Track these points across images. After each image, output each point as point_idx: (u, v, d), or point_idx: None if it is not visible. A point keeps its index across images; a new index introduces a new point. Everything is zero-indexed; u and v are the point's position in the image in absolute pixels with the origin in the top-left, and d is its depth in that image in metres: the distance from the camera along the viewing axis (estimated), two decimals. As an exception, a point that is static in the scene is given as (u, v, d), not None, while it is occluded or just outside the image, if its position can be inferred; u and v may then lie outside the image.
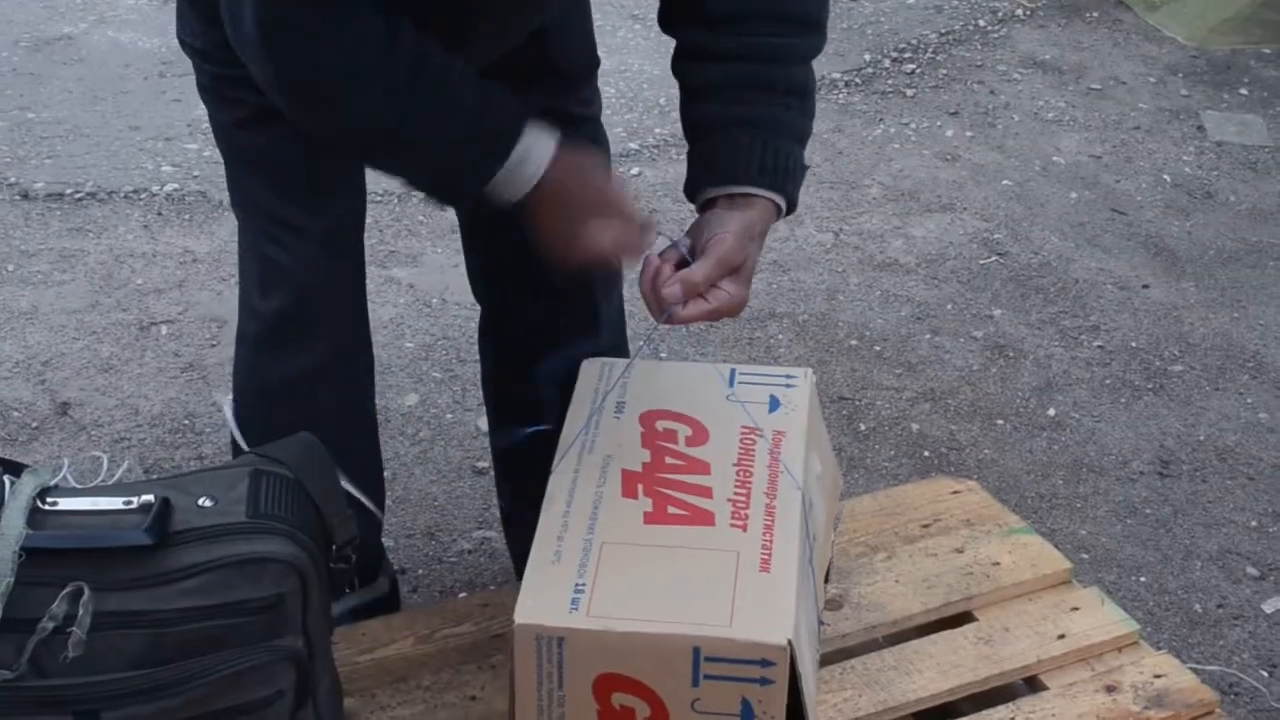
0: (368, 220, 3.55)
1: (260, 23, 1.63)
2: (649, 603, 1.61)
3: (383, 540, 2.37)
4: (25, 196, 3.75)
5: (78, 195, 3.77)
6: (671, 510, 1.74)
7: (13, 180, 3.82)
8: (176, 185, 3.80)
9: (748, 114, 1.83)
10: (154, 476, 1.86)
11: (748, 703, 1.60)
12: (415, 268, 3.49)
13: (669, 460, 1.82)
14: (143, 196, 3.77)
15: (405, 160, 1.77)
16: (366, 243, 3.43)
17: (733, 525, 1.72)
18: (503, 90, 1.75)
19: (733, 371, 1.97)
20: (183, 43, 2.02)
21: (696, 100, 1.89)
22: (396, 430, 2.92)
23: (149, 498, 1.61)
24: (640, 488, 1.77)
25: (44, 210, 3.69)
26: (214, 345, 3.15)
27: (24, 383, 3.04)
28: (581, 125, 2.13)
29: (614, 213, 1.73)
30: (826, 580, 2.07)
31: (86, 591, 1.53)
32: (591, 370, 2.00)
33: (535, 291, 2.22)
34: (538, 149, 1.72)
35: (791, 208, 1.84)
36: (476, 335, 2.38)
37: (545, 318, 2.24)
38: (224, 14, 1.68)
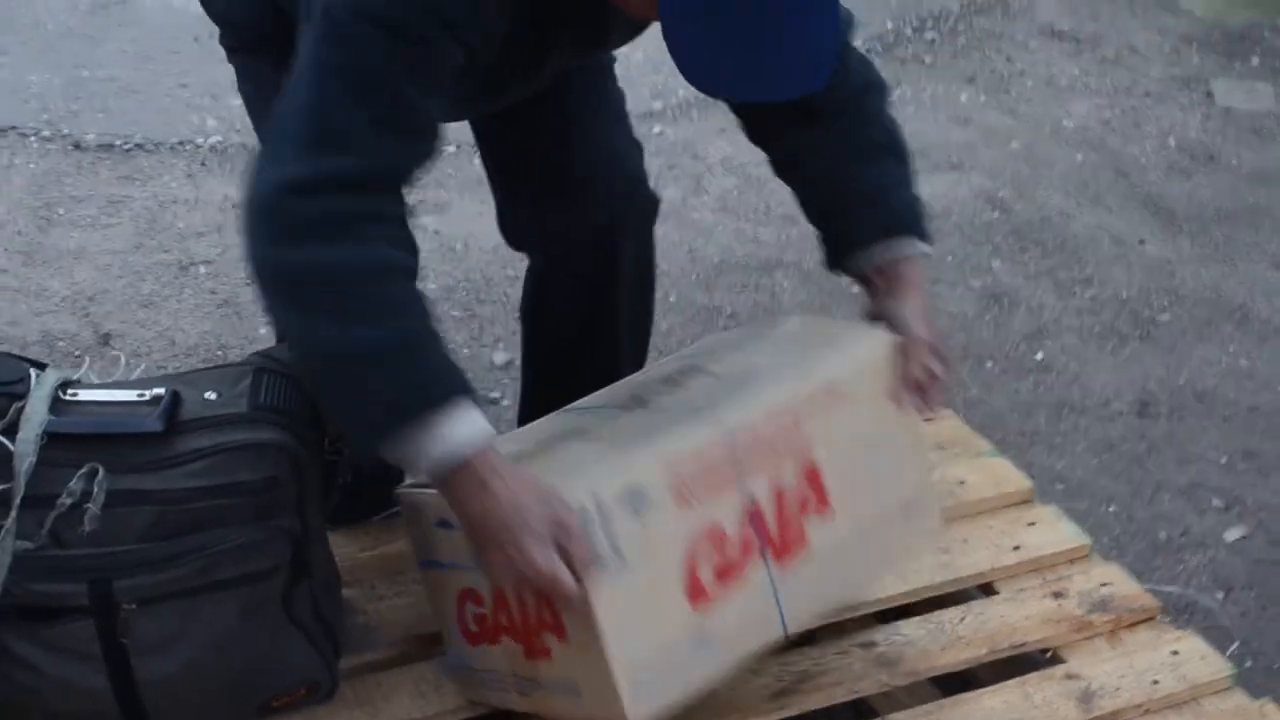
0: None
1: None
2: None
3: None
4: (77, 147, 3.89)
5: (126, 146, 3.91)
6: None
7: (66, 132, 3.96)
8: (220, 138, 3.94)
9: (877, 186, 1.98)
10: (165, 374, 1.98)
11: None
12: (442, 215, 3.62)
13: None
14: (188, 148, 3.90)
15: (319, 348, 1.65)
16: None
17: None
18: (453, 366, 1.68)
19: None
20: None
21: (818, 189, 2.05)
22: (417, 363, 3.04)
23: (160, 391, 1.75)
24: None
25: (94, 160, 3.84)
26: (249, 284, 3.27)
27: (70, 315, 3.19)
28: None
29: (535, 583, 1.61)
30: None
31: (101, 471, 1.67)
32: None
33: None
34: (458, 435, 1.62)
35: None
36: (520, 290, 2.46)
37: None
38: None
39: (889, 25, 4.97)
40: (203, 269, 3.39)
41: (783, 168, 2.09)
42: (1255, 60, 4.82)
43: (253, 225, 1.64)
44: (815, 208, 2.06)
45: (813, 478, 1.82)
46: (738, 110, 2.04)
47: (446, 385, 1.63)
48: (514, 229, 2.31)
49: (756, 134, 2.07)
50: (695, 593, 1.70)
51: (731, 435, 1.76)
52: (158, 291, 3.30)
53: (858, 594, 2.00)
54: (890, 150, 2.02)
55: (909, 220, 1.99)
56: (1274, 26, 5.07)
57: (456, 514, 1.66)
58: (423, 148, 1.71)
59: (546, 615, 1.68)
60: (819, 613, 1.88)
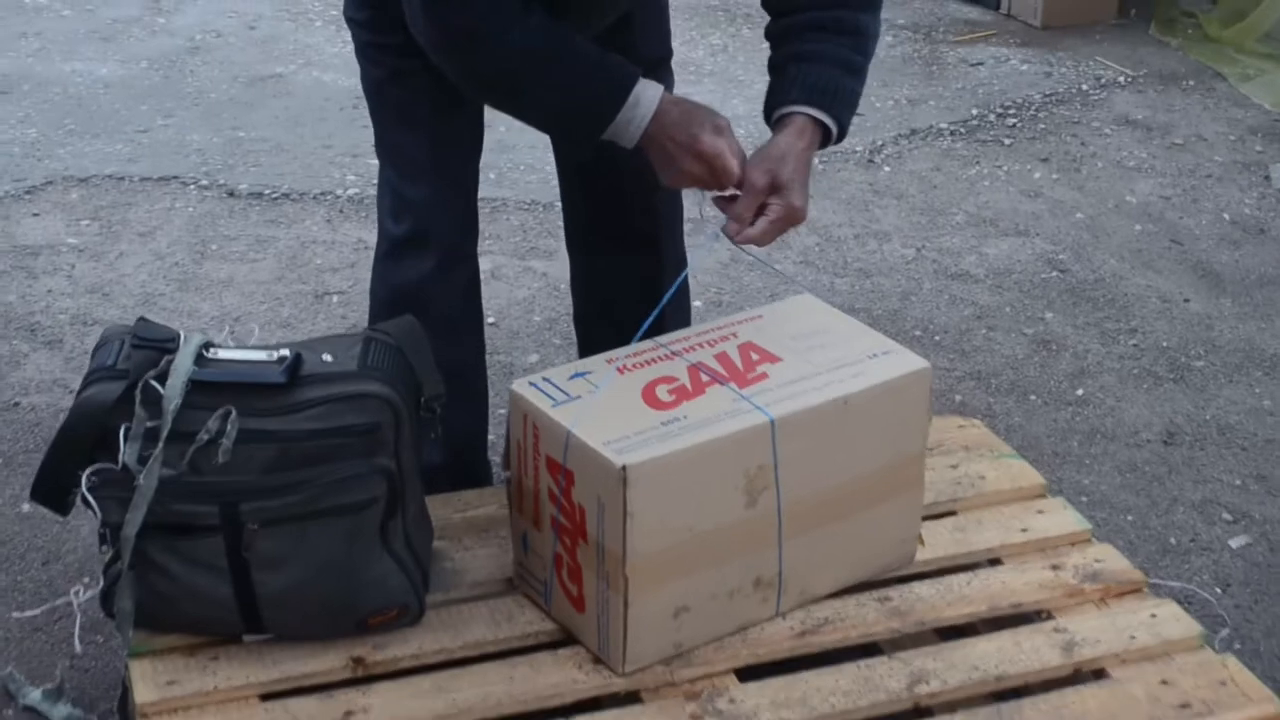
0: (515, 223, 4.05)
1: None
2: None
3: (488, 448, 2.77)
4: (231, 194, 4.25)
5: (274, 195, 4.25)
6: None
7: (222, 182, 4.32)
8: (357, 190, 4.27)
9: (797, 51, 2.21)
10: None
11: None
12: (550, 261, 3.90)
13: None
14: (328, 197, 4.24)
15: (536, 106, 2.18)
16: (513, 242, 3.91)
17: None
18: (613, 52, 2.13)
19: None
20: (346, 18, 2.47)
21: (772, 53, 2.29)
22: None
23: (285, 352, 2.03)
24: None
25: (245, 205, 4.19)
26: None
27: (217, 334, 3.49)
28: None
29: (705, 160, 2.10)
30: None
31: (234, 413, 1.95)
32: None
33: (617, 246, 2.67)
34: (646, 97, 2.10)
35: (841, 129, 2.19)
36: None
37: (625, 269, 2.68)
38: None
39: (974, 112, 5.20)
40: (335, 298, 3.71)
41: (770, 35, 2.29)
42: (1315, 149, 5.00)
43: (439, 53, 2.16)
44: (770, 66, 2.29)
45: (754, 348, 2.17)
46: None
47: (620, 77, 2.11)
48: (576, 232, 2.75)
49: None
50: (654, 404, 2.04)
51: (665, 342, 2.19)
52: (295, 315, 3.62)
53: (842, 393, 2.12)
54: (850, 33, 2.20)
55: (815, 91, 2.17)
56: (1337, 119, 5.25)
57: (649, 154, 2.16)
58: None
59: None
60: (802, 410, 2.06)
